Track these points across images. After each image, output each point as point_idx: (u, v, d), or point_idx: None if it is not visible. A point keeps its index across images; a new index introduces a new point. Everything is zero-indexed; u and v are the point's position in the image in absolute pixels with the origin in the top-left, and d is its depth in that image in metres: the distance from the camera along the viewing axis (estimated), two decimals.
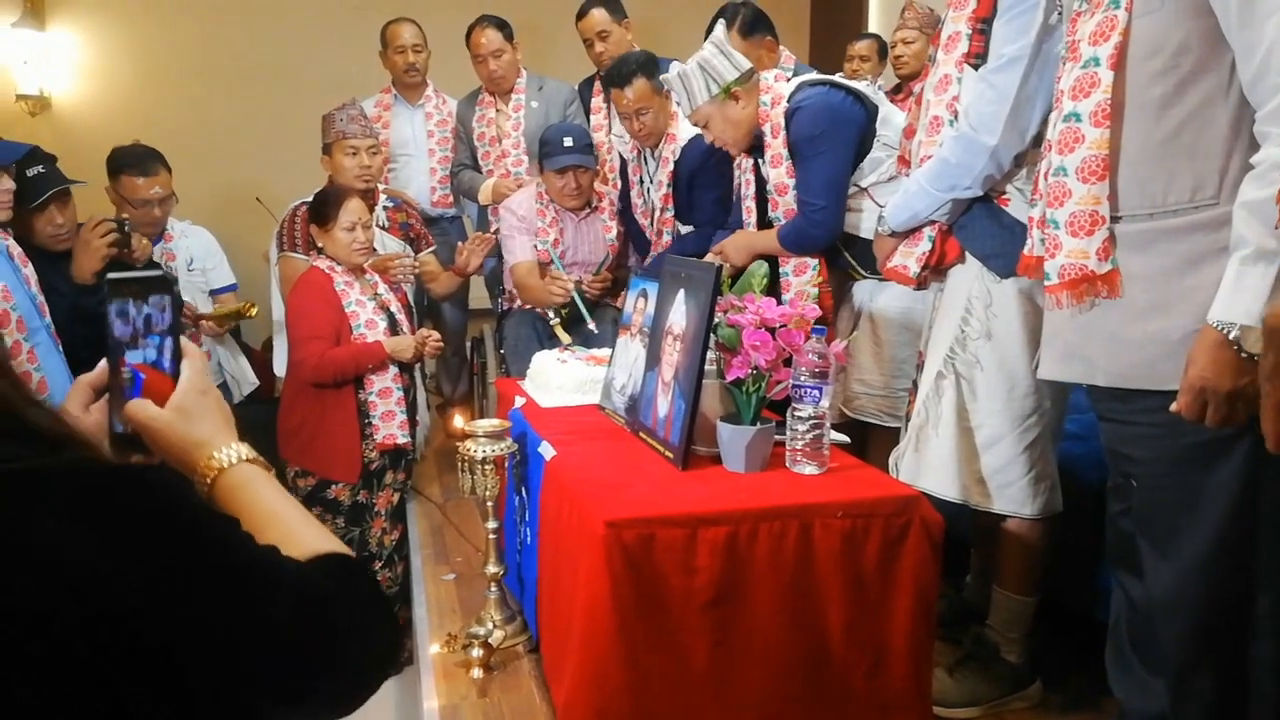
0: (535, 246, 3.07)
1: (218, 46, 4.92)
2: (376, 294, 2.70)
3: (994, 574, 1.93)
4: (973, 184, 1.76)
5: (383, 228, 3.10)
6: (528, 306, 3.15)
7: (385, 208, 3.15)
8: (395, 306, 2.74)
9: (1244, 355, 1.16)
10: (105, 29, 4.84)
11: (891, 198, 1.96)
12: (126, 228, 2.38)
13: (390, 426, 2.62)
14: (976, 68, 1.72)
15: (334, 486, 2.60)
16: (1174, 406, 1.22)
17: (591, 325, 2.80)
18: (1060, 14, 1.57)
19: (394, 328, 2.68)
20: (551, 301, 2.92)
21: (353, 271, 2.64)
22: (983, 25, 1.69)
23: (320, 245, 2.63)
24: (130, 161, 2.76)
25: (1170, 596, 1.36)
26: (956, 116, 1.77)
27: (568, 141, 2.94)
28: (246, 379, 3.18)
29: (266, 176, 4.59)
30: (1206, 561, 1.31)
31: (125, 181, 2.75)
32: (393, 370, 2.62)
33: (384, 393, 2.62)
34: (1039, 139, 1.68)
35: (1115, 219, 1.33)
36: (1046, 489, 1.82)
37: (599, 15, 3.41)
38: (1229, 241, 1.19)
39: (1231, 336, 1.16)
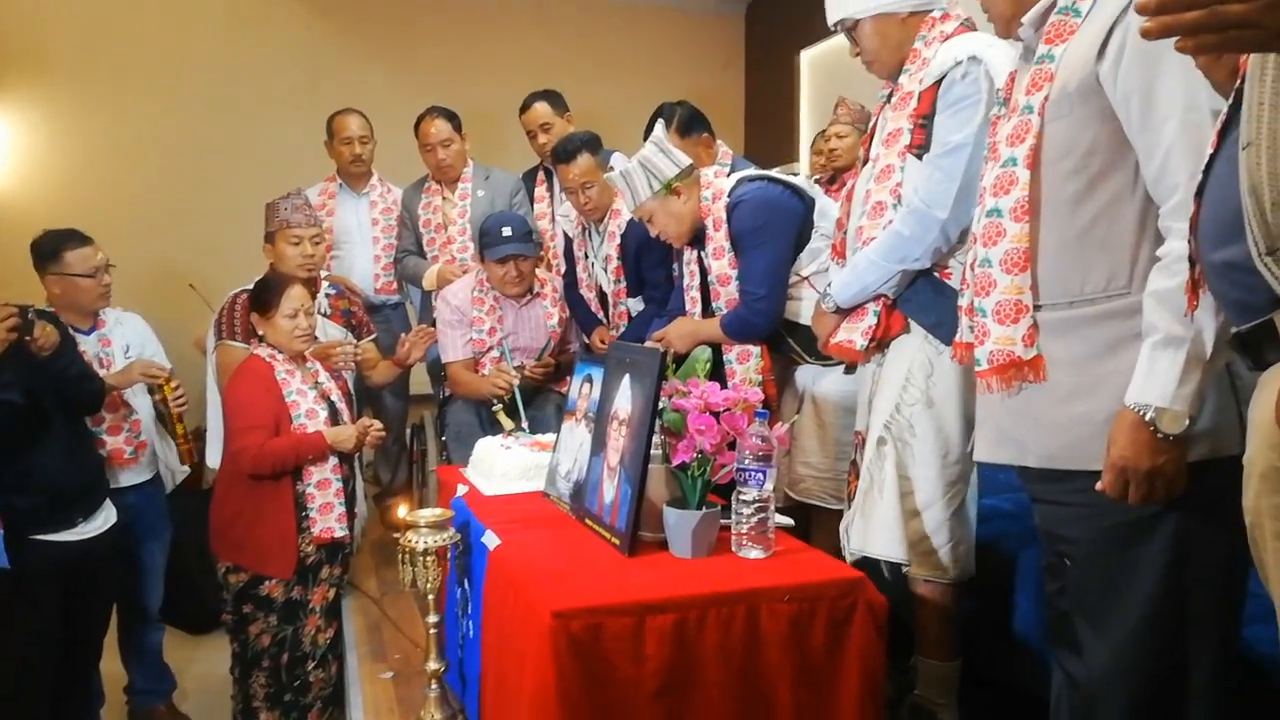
0: (470, 339, 3.07)
1: (151, 134, 4.90)
2: (317, 382, 2.67)
3: (915, 643, 1.96)
4: (922, 255, 1.87)
5: (325, 314, 3.08)
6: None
7: (328, 294, 3.13)
8: (336, 395, 2.70)
9: (1160, 435, 1.22)
10: (43, 118, 4.80)
11: (836, 275, 2.05)
12: (30, 314, 2.31)
13: (328, 519, 2.56)
14: (920, 157, 1.85)
15: (267, 583, 2.51)
16: (1099, 485, 1.28)
17: (524, 423, 2.76)
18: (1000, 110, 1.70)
19: (335, 417, 2.64)
20: (492, 393, 2.91)
21: (294, 360, 2.61)
22: (923, 120, 1.83)
23: (261, 333, 2.60)
24: (66, 237, 2.73)
25: (1107, 673, 1.39)
26: (900, 201, 1.89)
27: (506, 231, 2.98)
28: (181, 469, 3.09)
29: (200, 263, 4.54)
30: (1140, 637, 1.35)
31: (70, 258, 2.70)
32: (332, 461, 2.58)
33: (323, 484, 2.56)
34: None
35: (1038, 307, 1.41)
36: (964, 554, 1.90)
37: (542, 108, 3.55)
38: (1142, 328, 1.26)
39: (1148, 418, 1.23)
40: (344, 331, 3.11)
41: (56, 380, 2.40)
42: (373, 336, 3.24)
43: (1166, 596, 1.33)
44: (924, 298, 1.88)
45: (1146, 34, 0.81)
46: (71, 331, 2.65)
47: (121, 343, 2.90)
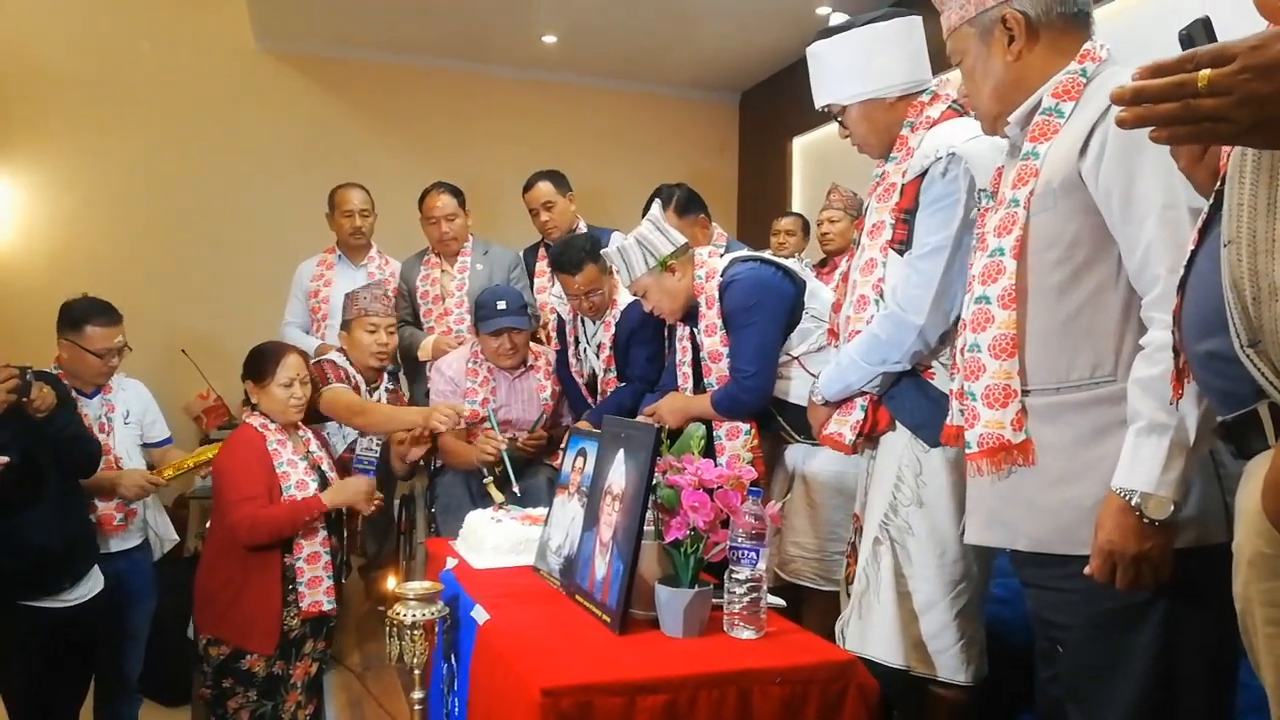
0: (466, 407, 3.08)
1: (152, 200, 5.00)
2: (309, 452, 2.66)
3: None
4: (901, 359, 1.86)
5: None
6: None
7: (388, 389, 3.19)
8: (327, 464, 2.70)
9: (1146, 520, 1.24)
10: (47, 182, 4.90)
11: (824, 369, 2.05)
12: (28, 376, 2.32)
13: (316, 593, 2.52)
14: (901, 253, 1.86)
15: (249, 657, 2.46)
16: (1086, 570, 1.29)
17: (516, 489, 2.76)
18: (979, 210, 1.74)
19: (325, 487, 2.62)
20: (482, 460, 2.91)
21: (285, 429, 2.61)
22: (905, 215, 1.84)
23: (254, 401, 2.61)
24: (96, 310, 2.74)
25: None
26: (882, 296, 1.90)
27: (501, 305, 3.03)
28: (169, 536, 3.04)
29: (196, 328, 4.58)
30: None
31: (91, 333, 2.70)
32: (321, 534, 2.55)
33: (312, 558, 2.53)
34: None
35: (1026, 392, 1.44)
36: (976, 655, 1.85)
37: (545, 187, 3.65)
38: (1127, 414, 1.29)
39: (1134, 503, 1.25)
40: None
41: (53, 440, 2.39)
42: None
43: (1157, 685, 1.32)
44: (909, 399, 1.87)
45: (1122, 123, 0.85)
46: (74, 394, 2.66)
47: (123, 409, 2.91)
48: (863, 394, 1.95)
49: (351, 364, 3.06)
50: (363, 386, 3.05)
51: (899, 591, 1.85)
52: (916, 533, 1.84)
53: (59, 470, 2.43)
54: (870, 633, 1.86)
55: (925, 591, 1.84)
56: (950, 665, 1.83)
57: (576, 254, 2.95)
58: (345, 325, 3.10)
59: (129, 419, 2.91)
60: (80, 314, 2.72)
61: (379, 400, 3.13)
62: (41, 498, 2.35)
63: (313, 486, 2.57)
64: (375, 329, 3.02)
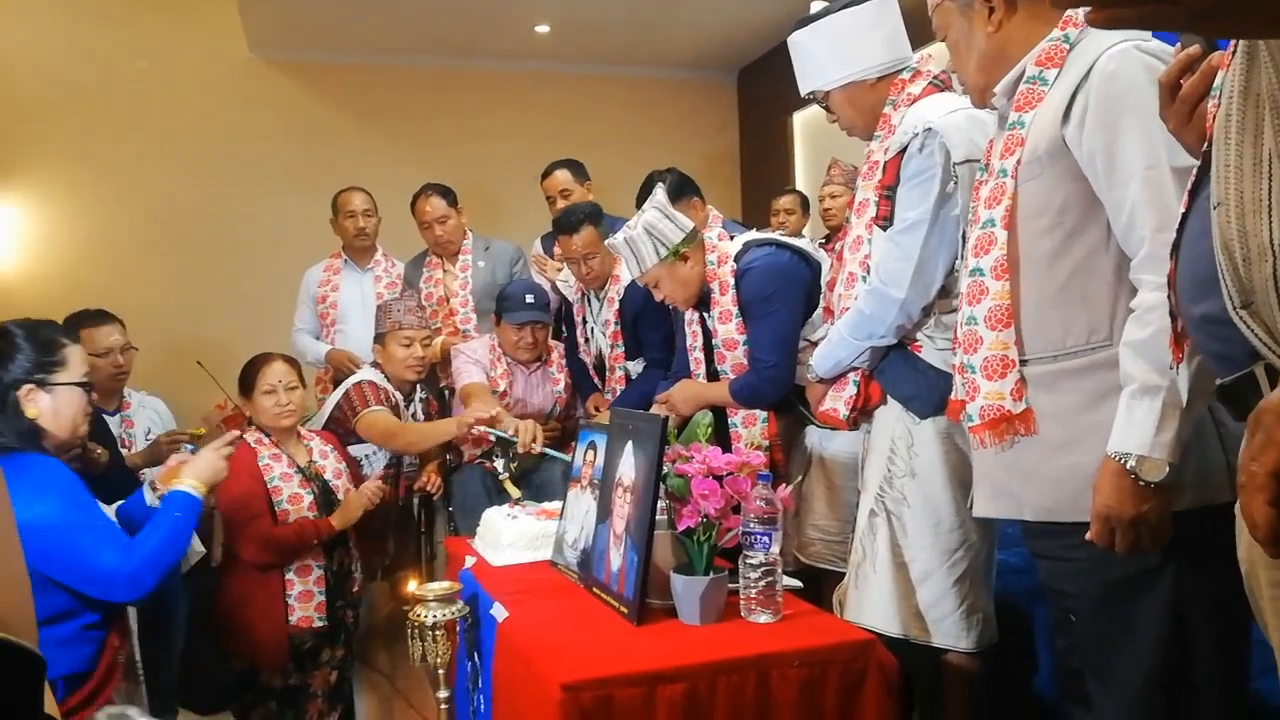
0: (487, 376, 3.10)
1: (156, 214, 5.03)
2: (310, 461, 2.66)
3: (940, 708, 1.93)
4: (886, 333, 1.90)
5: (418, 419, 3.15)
6: (476, 461, 3.14)
7: (421, 399, 3.19)
8: (331, 472, 2.68)
9: (1142, 483, 1.23)
10: (48, 200, 4.94)
11: (818, 347, 2.08)
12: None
13: (307, 608, 2.49)
14: (885, 229, 1.88)
15: (265, 672, 2.48)
16: (1087, 535, 1.29)
17: (515, 494, 2.71)
18: (956, 182, 1.74)
19: (324, 499, 2.60)
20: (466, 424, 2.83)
21: (282, 440, 2.61)
22: (888, 192, 1.87)
23: (248, 414, 2.62)
24: (87, 316, 2.81)
25: None
26: (869, 273, 1.92)
27: (529, 298, 3.05)
28: (196, 549, 3.08)
29: (207, 339, 4.61)
30: (1147, 692, 1.34)
31: (85, 337, 2.75)
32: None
33: (302, 570, 2.50)
34: (944, 290, 1.84)
35: (1024, 361, 1.43)
36: (980, 621, 1.86)
37: (562, 176, 3.67)
38: (1120, 378, 1.29)
39: (1129, 466, 1.24)
40: None
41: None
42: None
43: (1170, 649, 1.32)
44: (896, 371, 1.90)
45: (1056, 3, 0.82)
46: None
47: (144, 425, 2.96)
48: (855, 369, 1.98)
49: (389, 379, 3.04)
50: (400, 402, 3.03)
51: (896, 563, 1.88)
52: (911, 504, 1.86)
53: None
54: (867, 603, 1.89)
55: (922, 561, 1.86)
56: (950, 632, 1.85)
57: (577, 215, 2.98)
58: (379, 339, 3.08)
59: (149, 435, 2.95)
60: (72, 324, 2.77)
61: (414, 411, 3.13)
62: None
63: (307, 499, 2.55)
64: (410, 342, 3.01)
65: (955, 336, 1.59)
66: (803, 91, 2.05)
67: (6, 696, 0.38)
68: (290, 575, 2.51)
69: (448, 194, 3.64)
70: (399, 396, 3.04)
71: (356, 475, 2.82)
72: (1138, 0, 0.76)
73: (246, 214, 5.17)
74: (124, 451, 2.77)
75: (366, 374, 3.07)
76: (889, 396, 1.92)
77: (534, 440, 2.74)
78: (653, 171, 3.01)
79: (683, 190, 2.94)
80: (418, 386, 3.17)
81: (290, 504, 2.52)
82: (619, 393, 3.10)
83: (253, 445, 2.56)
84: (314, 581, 2.52)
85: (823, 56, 1.97)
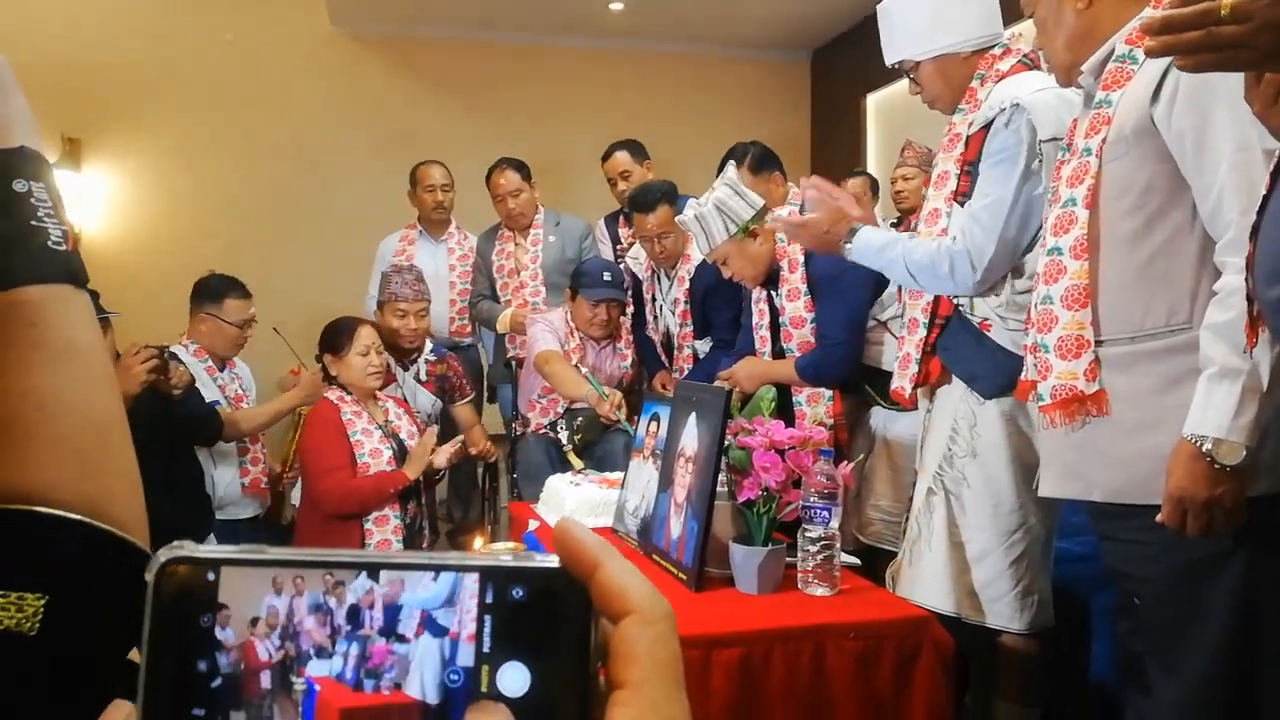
0: (563, 349, 3.15)
1: (242, 185, 5.20)
2: (387, 420, 2.76)
3: (995, 687, 1.93)
4: (939, 293, 1.90)
5: (420, 380, 3.23)
6: (541, 430, 3.21)
7: (427, 360, 3.27)
8: (406, 432, 2.78)
9: (1217, 466, 1.22)
10: (137, 170, 5.14)
11: (879, 235, 1.99)
12: (166, 354, 2.50)
13: None
14: (962, 204, 1.85)
15: None
16: (1159, 517, 1.28)
17: (578, 464, 2.76)
18: (1041, 161, 1.71)
19: (402, 456, 2.70)
20: (580, 395, 2.89)
21: (362, 399, 2.72)
22: (969, 167, 1.84)
23: (334, 374, 2.73)
24: (232, 285, 3.01)
25: (1180, 715, 1.36)
26: None
27: (607, 276, 3.10)
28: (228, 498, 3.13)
29: (283, 308, 4.76)
30: (1212, 677, 1.33)
31: (230, 305, 2.96)
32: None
33: (380, 520, 2.60)
34: (1017, 270, 1.81)
35: (1099, 342, 1.42)
36: (1035, 603, 1.84)
37: (622, 157, 3.70)
38: (1200, 360, 1.27)
39: (1205, 449, 1.23)
40: (434, 400, 3.25)
41: (184, 418, 2.59)
42: (469, 399, 3.36)
43: (1238, 634, 1.31)
44: (963, 348, 1.87)
45: (1150, 52, 0.86)
46: (209, 365, 2.94)
47: (246, 381, 3.16)
48: (916, 346, 1.96)
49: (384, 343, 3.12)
50: (392, 364, 3.10)
51: (952, 541, 1.87)
52: (971, 484, 1.85)
53: (182, 444, 2.62)
54: (920, 580, 1.89)
55: (980, 541, 1.85)
56: (1004, 613, 1.83)
57: (653, 194, 3.00)
58: (380, 306, 3.19)
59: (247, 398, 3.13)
60: (219, 288, 2.96)
61: (416, 372, 3.23)
62: (163, 472, 2.54)
63: (386, 454, 2.65)
64: (405, 314, 3.11)
65: (1029, 316, 1.57)
66: (890, 61, 2.01)
67: (121, 597, 0.40)
68: (369, 525, 2.61)
69: (522, 168, 3.70)
70: (390, 359, 3.11)
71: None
72: (1214, 48, 0.79)
73: (325, 184, 5.31)
74: (243, 405, 3.01)
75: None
76: (954, 375, 1.90)
77: (619, 407, 2.78)
78: (736, 144, 3.00)
79: (764, 163, 2.90)
80: (423, 350, 3.25)
81: (371, 458, 2.63)
82: (686, 371, 3.13)
83: (335, 402, 2.67)
84: (391, 530, 2.63)
85: (915, 26, 1.94)
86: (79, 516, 0.44)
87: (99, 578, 0.44)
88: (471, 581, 0.32)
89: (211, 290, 2.97)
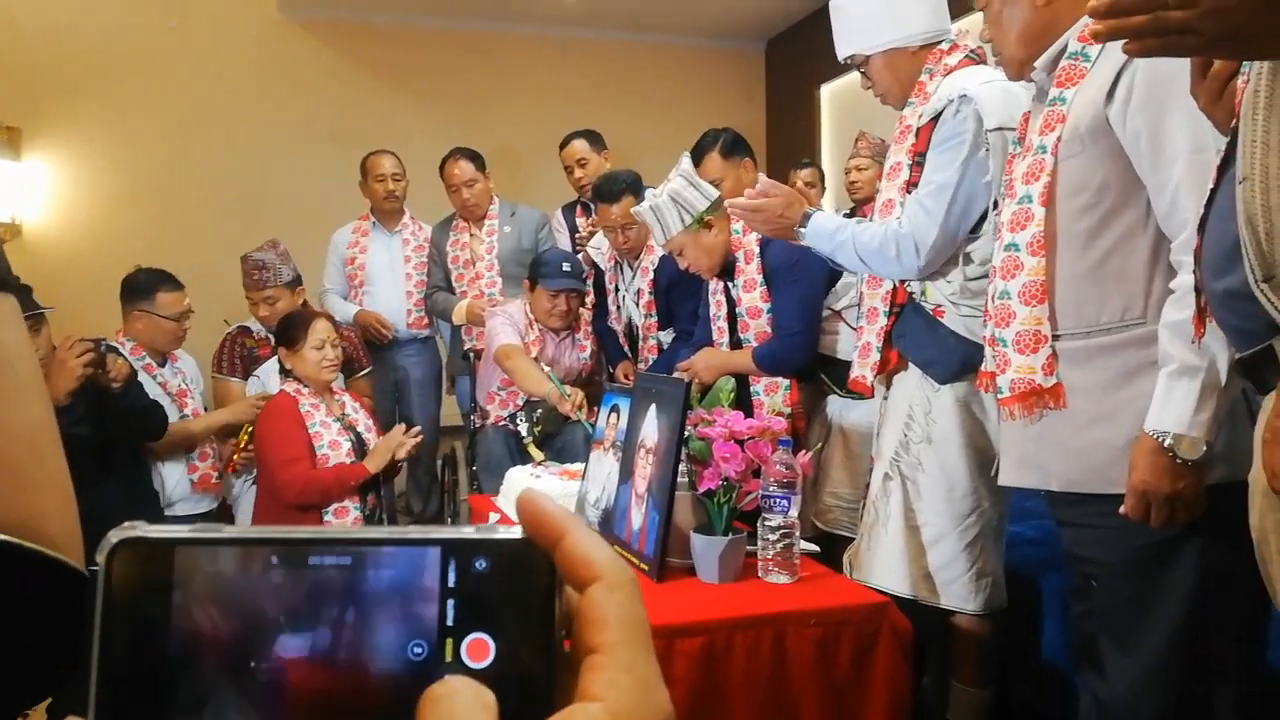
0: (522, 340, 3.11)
1: (188, 174, 5.05)
2: (344, 414, 2.73)
3: (949, 669, 1.97)
4: (886, 276, 1.95)
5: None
6: (500, 423, 3.19)
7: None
8: (363, 425, 2.76)
9: (1179, 461, 1.26)
10: (79, 159, 4.96)
11: (830, 219, 2.03)
12: (103, 348, 2.42)
13: None
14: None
15: None
16: (1121, 509, 1.32)
17: (538, 456, 2.72)
18: (987, 149, 1.75)
19: (360, 448, 2.68)
20: (539, 392, 2.85)
21: (320, 392, 2.69)
22: (919, 158, 1.88)
23: (289, 367, 2.68)
24: (163, 278, 2.91)
25: (1134, 695, 1.41)
26: None
27: (566, 266, 3.07)
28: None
29: (232, 300, 4.67)
30: (1166, 658, 1.37)
31: (162, 299, 2.87)
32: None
33: (339, 512, 2.58)
34: (969, 258, 1.86)
35: (1056, 337, 1.45)
36: (988, 585, 1.90)
37: (579, 145, 3.71)
38: (1157, 356, 1.30)
39: (1166, 444, 1.27)
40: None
41: (126, 411, 2.51)
42: (366, 371, 3.35)
43: (1192, 617, 1.35)
44: (917, 335, 1.91)
45: (1096, 36, 0.87)
46: (148, 363, 2.84)
47: (191, 375, 3.08)
48: (875, 334, 2.00)
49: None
50: (268, 337, 3.14)
51: (908, 525, 1.91)
52: (927, 469, 1.89)
53: (129, 441, 2.55)
54: (877, 564, 1.93)
55: (935, 525, 1.89)
56: (959, 594, 1.88)
57: (618, 184, 3.00)
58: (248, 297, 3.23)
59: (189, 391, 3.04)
60: (148, 284, 2.86)
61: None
62: (108, 470, 2.46)
63: (345, 447, 2.63)
64: (256, 302, 3.17)
65: (986, 309, 1.60)
66: (841, 55, 2.04)
67: (52, 619, 0.37)
68: (329, 517, 2.58)
69: (476, 158, 3.66)
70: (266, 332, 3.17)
71: (382, 432, 2.88)
72: (1161, 32, 0.81)
73: (273, 175, 5.18)
74: (187, 400, 2.94)
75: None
76: (909, 362, 1.94)
77: (580, 406, 2.76)
78: (709, 130, 2.99)
79: (736, 148, 2.88)
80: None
81: (330, 449, 2.61)
82: (651, 362, 3.14)
83: (292, 394, 2.64)
84: (350, 522, 2.60)
85: (866, 20, 1.97)
86: (5, 537, 0.40)
87: (26, 602, 0.41)
88: (434, 555, 0.31)
89: (141, 286, 2.87)
